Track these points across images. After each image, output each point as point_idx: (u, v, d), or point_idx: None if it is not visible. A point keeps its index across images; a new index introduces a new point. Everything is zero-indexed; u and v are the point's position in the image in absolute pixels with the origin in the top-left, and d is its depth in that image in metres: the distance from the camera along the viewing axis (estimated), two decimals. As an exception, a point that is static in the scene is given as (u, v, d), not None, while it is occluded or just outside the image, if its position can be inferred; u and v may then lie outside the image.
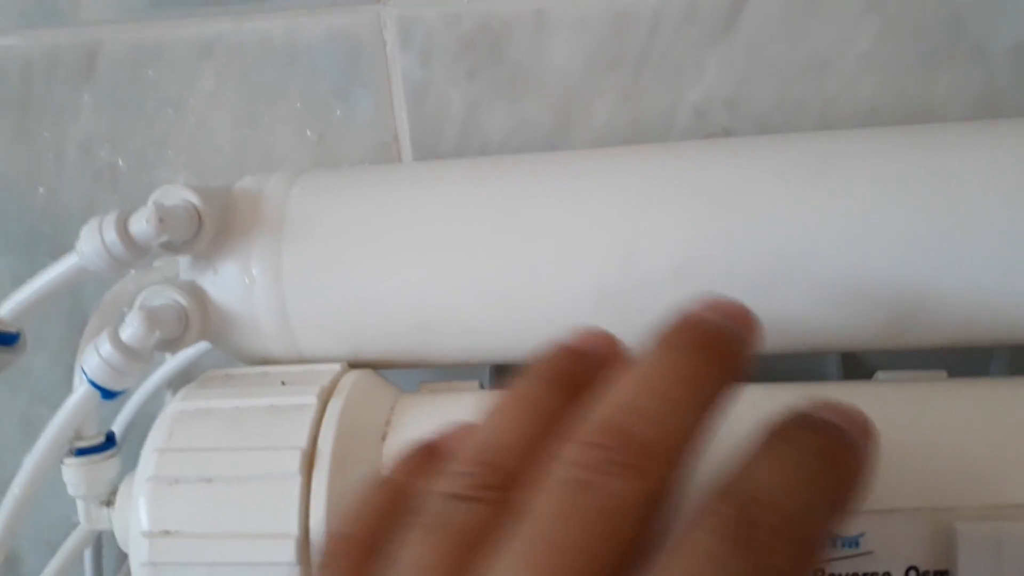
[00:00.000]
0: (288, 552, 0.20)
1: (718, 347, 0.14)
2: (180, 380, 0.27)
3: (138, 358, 0.22)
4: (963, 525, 0.18)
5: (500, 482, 0.14)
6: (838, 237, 0.21)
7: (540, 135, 0.28)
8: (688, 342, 0.14)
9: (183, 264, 0.24)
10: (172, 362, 0.29)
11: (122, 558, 0.29)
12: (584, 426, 0.13)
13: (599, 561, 0.12)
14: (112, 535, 0.24)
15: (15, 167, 0.30)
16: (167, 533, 0.20)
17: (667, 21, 0.26)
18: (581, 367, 0.16)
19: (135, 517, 0.21)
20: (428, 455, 0.17)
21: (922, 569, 0.19)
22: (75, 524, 0.26)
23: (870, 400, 0.21)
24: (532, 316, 0.22)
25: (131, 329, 0.22)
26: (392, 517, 0.15)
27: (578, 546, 0.12)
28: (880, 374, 0.23)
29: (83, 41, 0.28)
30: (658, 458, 0.13)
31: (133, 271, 0.25)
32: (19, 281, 0.31)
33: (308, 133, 0.28)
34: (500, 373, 0.26)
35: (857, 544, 0.19)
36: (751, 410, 0.21)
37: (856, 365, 0.26)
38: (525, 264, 0.22)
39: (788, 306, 0.21)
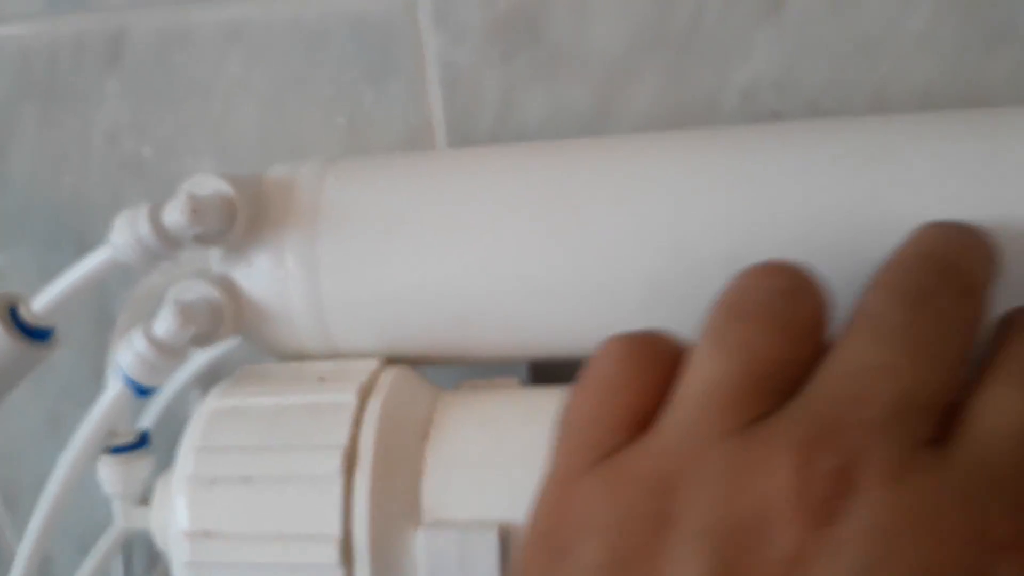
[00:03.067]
0: (330, 554, 0.19)
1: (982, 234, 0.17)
2: (207, 377, 0.26)
3: (172, 354, 0.22)
4: None
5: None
6: (894, 224, 0.20)
7: (579, 119, 0.27)
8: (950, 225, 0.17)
9: (215, 257, 0.23)
10: (199, 358, 0.28)
11: (153, 559, 0.29)
12: (903, 258, 0.16)
13: (954, 357, 0.14)
14: (141, 536, 0.24)
15: (40, 157, 0.29)
16: (208, 533, 0.20)
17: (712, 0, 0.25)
18: None
19: (174, 516, 0.20)
20: None
21: None
22: (104, 524, 0.25)
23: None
24: (576, 309, 0.21)
25: (165, 324, 0.21)
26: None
27: (936, 338, 0.14)
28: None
29: (109, 26, 0.28)
30: (976, 289, 0.15)
31: (162, 265, 0.24)
32: (44, 273, 0.31)
33: (338, 119, 0.28)
34: (538, 370, 0.25)
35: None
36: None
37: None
38: (570, 255, 0.21)
39: (843, 296, 0.21)
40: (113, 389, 0.22)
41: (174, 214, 0.21)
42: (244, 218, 0.22)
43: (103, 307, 0.31)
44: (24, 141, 0.29)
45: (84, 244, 0.30)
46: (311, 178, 0.23)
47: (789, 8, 0.25)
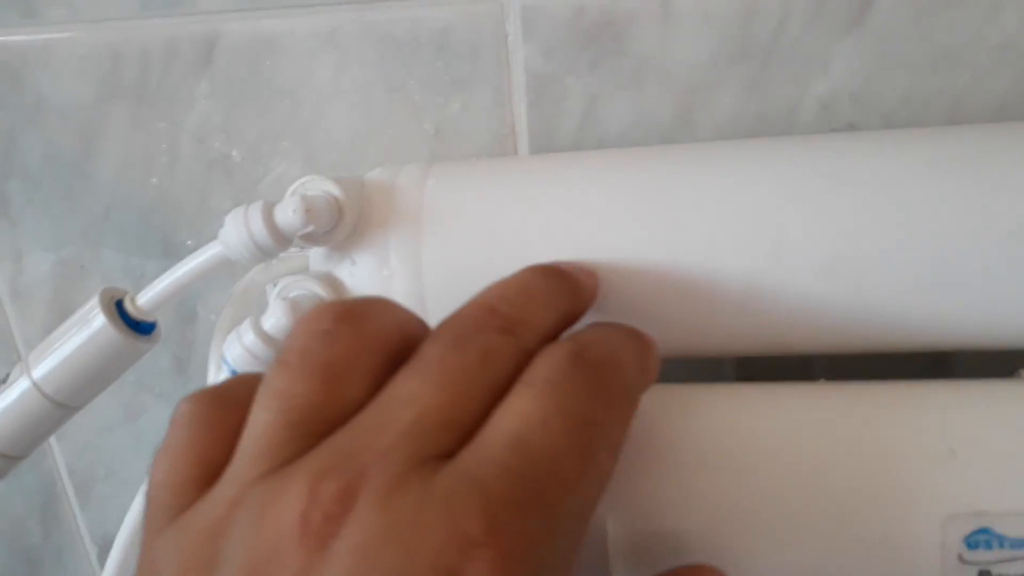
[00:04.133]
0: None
1: (563, 276, 0.20)
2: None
3: (279, 347, 0.22)
4: None
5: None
6: (992, 233, 0.21)
7: (660, 129, 0.27)
8: (539, 270, 0.20)
9: (316, 255, 0.24)
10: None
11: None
12: (460, 309, 0.18)
13: (479, 381, 0.16)
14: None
15: (129, 157, 0.30)
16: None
17: (795, 14, 0.26)
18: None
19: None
20: None
21: None
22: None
23: (1020, 398, 0.21)
24: (676, 309, 0.22)
25: (274, 319, 0.22)
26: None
27: (462, 367, 0.16)
28: (1024, 372, 0.23)
29: (202, 31, 0.28)
30: (518, 327, 0.17)
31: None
32: (128, 272, 0.32)
33: (425, 125, 0.28)
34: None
35: (1024, 545, 0.19)
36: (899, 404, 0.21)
37: (987, 364, 0.25)
38: (668, 258, 0.22)
39: (940, 304, 0.21)
40: (218, 380, 0.23)
41: (287, 213, 0.22)
42: (351, 219, 0.23)
43: (182, 301, 0.32)
44: (113, 142, 0.30)
45: (169, 245, 0.31)
46: (412, 181, 0.24)
47: (869, 23, 0.26)
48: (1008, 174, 0.21)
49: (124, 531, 0.26)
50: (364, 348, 0.16)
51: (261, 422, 0.16)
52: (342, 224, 0.23)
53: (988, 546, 0.19)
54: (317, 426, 0.15)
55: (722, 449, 0.20)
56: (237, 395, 0.17)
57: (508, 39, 0.27)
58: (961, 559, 0.19)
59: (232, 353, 0.22)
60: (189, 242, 0.31)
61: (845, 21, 0.26)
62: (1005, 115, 0.26)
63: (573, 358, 0.17)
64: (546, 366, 0.17)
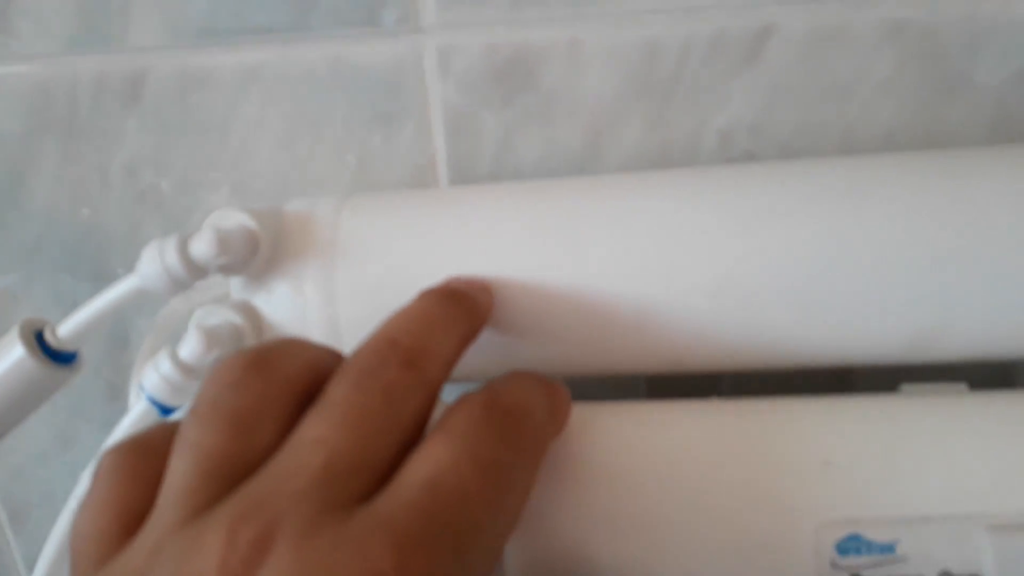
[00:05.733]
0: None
1: (459, 298, 0.21)
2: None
3: (196, 375, 0.23)
4: (992, 530, 0.19)
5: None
6: (869, 255, 0.22)
7: (571, 159, 0.29)
8: (435, 295, 0.21)
9: (235, 284, 0.25)
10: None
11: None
12: (363, 344, 0.18)
13: (384, 420, 0.17)
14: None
15: (60, 189, 0.31)
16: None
17: (694, 51, 0.27)
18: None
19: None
20: None
21: (954, 573, 0.20)
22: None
23: (897, 412, 0.22)
24: (579, 332, 0.23)
25: (189, 347, 0.23)
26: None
27: (366, 406, 0.17)
28: (904, 387, 0.24)
29: (130, 67, 0.29)
30: (420, 358, 0.18)
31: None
32: (59, 301, 0.32)
33: (348, 157, 0.29)
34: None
35: (892, 550, 0.20)
36: (787, 422, 0.22)
37: (881, 379, 0.27)
38: (570, 280, 0.23)
39: (822, 323, 0.23)
40: (138, 409, 0.24)
41: (201, 246, 0.22)
42: (266, 249, 0.24)
43: (114, 329, 0.33)
44: (43, 173, 0.31)
45: (100, 274, 0.32)
46: (328, 212, 0.25)
47: (764, 59, 0.27)
48: (890, 201, 0.22)
49: (49, 548, 0.26)
50: (272, 395, 0.17)
51: (178, 472, 0.16)
52: (258, 255, 0.24)
53: (858, 552, 0.20)
54: (231, 472, 0.16)
55: (616, 466, 0.21)
56: (157, 444, 0.18)
57: (426, 76, 0.28)
58: (833, 565, 0.20)
59: (149, 382, 0.23)
60: (120, 271, 0.32)
61: (741, 58, 0.27)
62: (893, 143, 0.28)
63: (485, 405, 0.18)
64: (460, 412, 0.18)
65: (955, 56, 0.27)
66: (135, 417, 0.24)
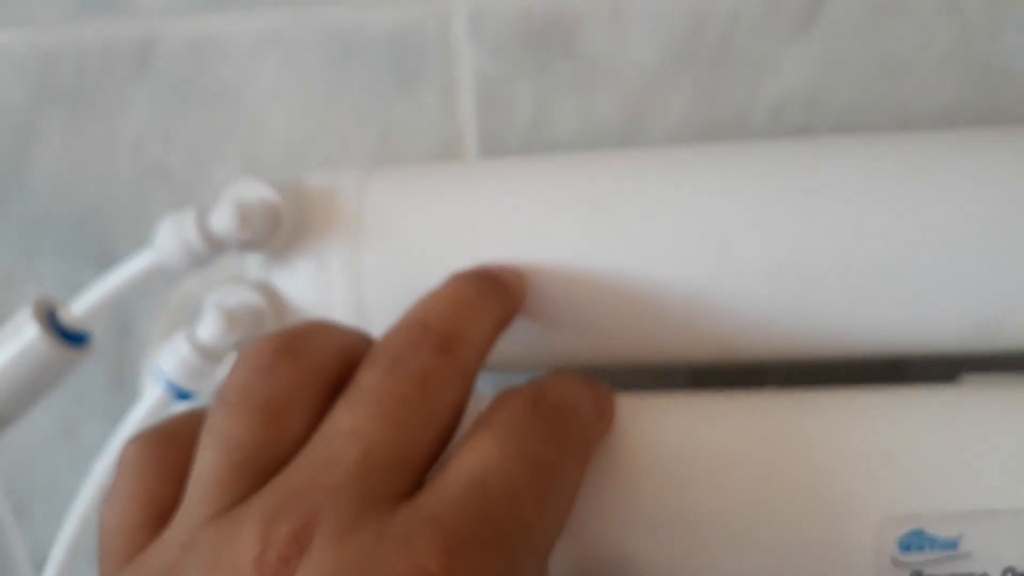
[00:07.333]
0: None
1: (493, 281, 0.20)
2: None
3: (215, 358, 0.22)
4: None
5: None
6: (937, 239, 0.21)
7: (610, 132, 0.27)
8: (468, 278, 0.20)
9: (254, 262, 0.23)
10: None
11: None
12: (394, 327, 0.18)
13: (420, 410, 0.16)
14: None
15: (63, 164, 0.29)
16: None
17: (745, 17, 0.26)
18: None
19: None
20: None
21: (1019, 570, 0.19)
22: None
23: (959, 403, 0.21)
24: (622, 319, 0.22)
25: (209, 329, 0.21)
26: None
27: (401, 395, 0.16)
28: (966, 376, 0.23)
29: (139, 33, 0.28)
30: (453, 343, 0.17)
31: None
32: (62, 280, 0.31)
33: (369, 129, 0.28)
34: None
35: (955, 546, 0.19)
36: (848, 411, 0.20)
37: (936, 370, 0.25)
38: (612, 263, 0.21)
39: (885, 310, 0.21)
40: (153, 393, 0.22)
41: (223, 219, 0.21)
42: (288, 224, 0.22)
43: (119, 315, 0.31)
44: (48, 148, 0.29)
45: (105, 252, 0.30)
46: (353, 186, 0.23)
47: (819, 27, 0.26)
48: (954, 181, 0.21)
49: (59, 548, 0.25)
50: (304, 382, 0.16)
51: (207, 463, 0.16)
52: (279, 231, 0.22)
53: (920, 548, 0.19)
54: (262, 465, 0.16)
55: (663, 462, 0.20)
56: (182, 434, 0.17)
57: (454, 40, 0.27)
58: (895, 562, 0.19)
59: (167, 363, 0.22)
60: (126, 250, 0.30)
61: (794, 26, 0.26)
62: (951, 119, 0.26)
63: (533, 402, 0.17)
64: (505, 409, 0.17)
65: (1015, 31, 0.25)
66: (151, 402, 0.22)
